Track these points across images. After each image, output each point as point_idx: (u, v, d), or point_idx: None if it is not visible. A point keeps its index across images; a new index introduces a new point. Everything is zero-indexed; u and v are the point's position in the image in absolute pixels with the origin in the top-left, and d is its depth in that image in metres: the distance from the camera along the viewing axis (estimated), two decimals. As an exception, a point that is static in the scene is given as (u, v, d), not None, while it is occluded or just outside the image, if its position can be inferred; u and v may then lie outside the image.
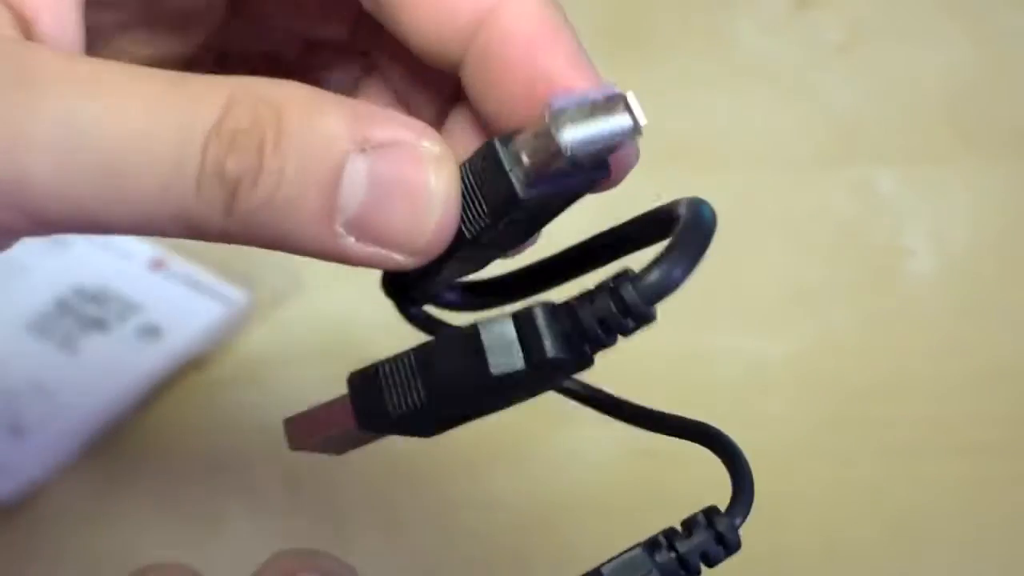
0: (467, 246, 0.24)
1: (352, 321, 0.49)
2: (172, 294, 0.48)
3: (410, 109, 0.27)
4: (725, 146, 0.52)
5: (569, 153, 0.22)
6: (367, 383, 0.25)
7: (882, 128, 0.53)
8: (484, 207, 0.23)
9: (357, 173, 0.22)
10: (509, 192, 0.23)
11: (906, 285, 0.50)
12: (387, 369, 0.24)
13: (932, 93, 0.53)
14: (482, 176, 0.23)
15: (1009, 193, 0.52)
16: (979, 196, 0.52)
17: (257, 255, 0.49)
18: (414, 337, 0.51)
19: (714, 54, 0.54)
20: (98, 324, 0.46)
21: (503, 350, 0.23)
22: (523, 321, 0.23)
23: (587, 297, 0.23)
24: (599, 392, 0.28)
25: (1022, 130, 0.53)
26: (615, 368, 0.49)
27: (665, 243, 0.23)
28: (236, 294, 0.48)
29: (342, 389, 0.49)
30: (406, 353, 0.25)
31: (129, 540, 0.46)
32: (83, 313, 0.46)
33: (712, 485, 0.48)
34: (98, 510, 0.46)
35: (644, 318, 0.23)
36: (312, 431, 0.27)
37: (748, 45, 0.54)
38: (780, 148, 0.52)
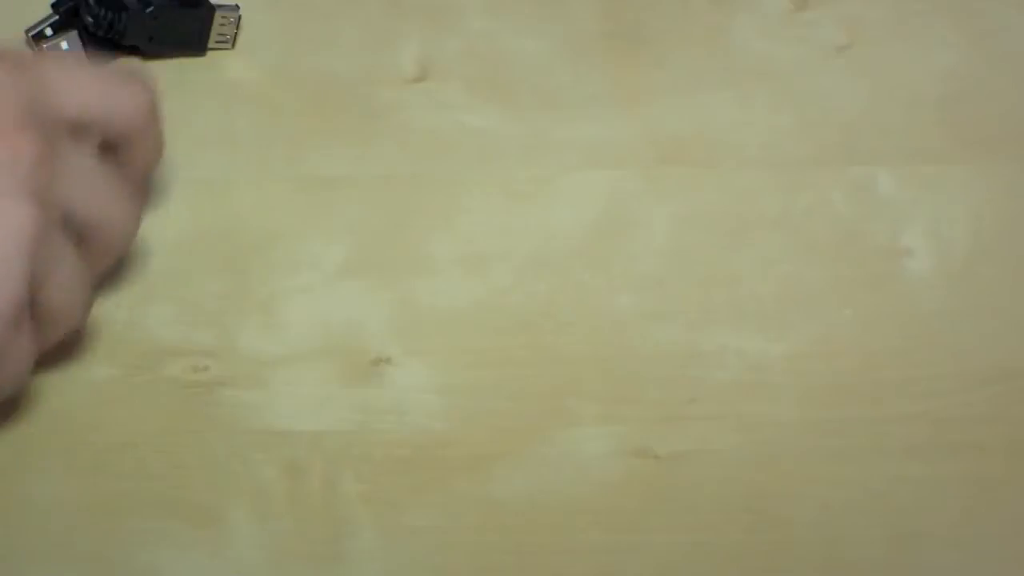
0: None
1: (352, 321, 0.49)
2: None
3: None
4: (725, 146, 0.52)
5: None
6: None
7: (881, 128, 0.53)
8: None
9: None
10: None
11: (905, 285, 0.50)
12: None
13: (931, 93, 0.53)
14: None
15: (1008, 193, 0.52)
16: (978, 196, 0.52)
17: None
18: (414, 337, 0.52)
19: (714, 54, 0.54)
20: None
21: None
22: None
23: None
24: None
25: (1020, 130, 0.53)
26: (615, 367, 0.49)
27: None
28: None
29: (342, 388, 0.50)
30: None
31: (128, 540, 0.46)
32: None
33: (711, 486, 0.48)
34: (100, 510, 0.46)
35: None
36: None
37: (748, 45, 0.54)
38: (779, 148, 0.52)
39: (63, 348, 0.45)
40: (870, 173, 0.52)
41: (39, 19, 0.51)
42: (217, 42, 0.53)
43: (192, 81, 0.52)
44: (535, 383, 0.48)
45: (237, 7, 0.53)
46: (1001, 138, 0.53)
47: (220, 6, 0.52)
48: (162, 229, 0.49)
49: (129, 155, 0.41)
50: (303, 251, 0.50)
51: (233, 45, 0.53)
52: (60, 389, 0.47)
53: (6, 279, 0.35)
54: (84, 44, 0.51)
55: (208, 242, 0.50)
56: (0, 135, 0.35)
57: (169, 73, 0.52)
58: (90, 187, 0.39)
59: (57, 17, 0.51)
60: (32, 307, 0.37)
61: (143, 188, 0.43)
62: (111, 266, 0.42)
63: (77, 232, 0.39)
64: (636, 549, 0.46)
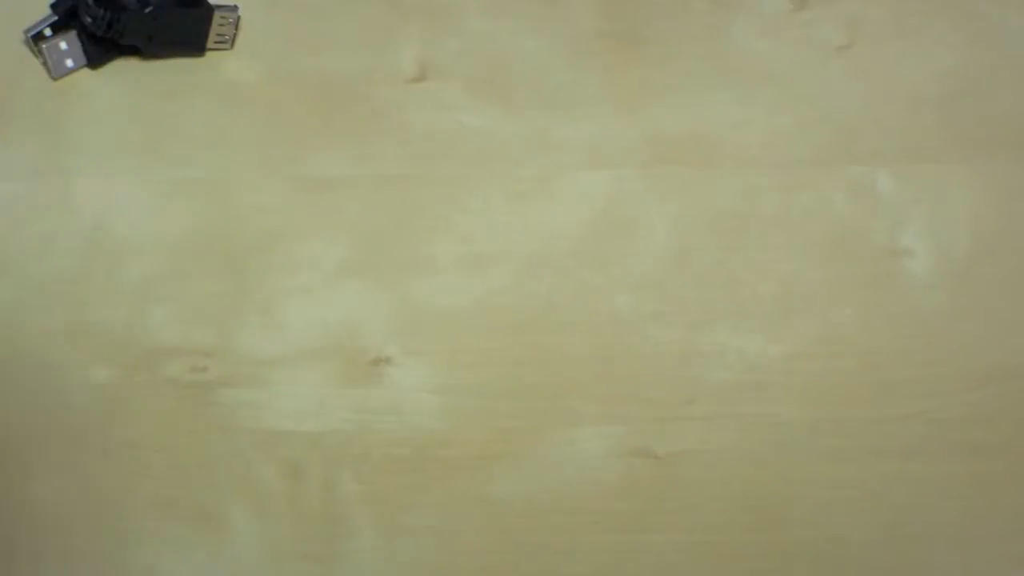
0: None
1: (352, 321, 0.49)
2: None
3: None
4: (725, 146, 0.52)
5: None
6: None
7: (881, 128, 0.53)
8: None
9: None
10: None
11: (905, 285, 0.50)
12: None
13: (930, 93, 0.53)
14: None
15: (1007, 193, 0.52)
16: (977, 196, 0.52)
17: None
18: (413, 337, 0.52)
19: (714, 54, 0.54)
20: None
21: None
22: None
23: None
24: None
25: (1020, 130, 0.53)
26: (615, 367, 0.49)
27: None
28: None
29: (341, 389, 0.50)
30: None
31: (128, 540, 0.46)
32: None
33: (711, 486, 0.48)
34: (101, 511, 0.46)
35: None
36: None
37: (748, 45, 0.54)
38: (780, 148, 0.52)
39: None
40: (870, 173, 0.52)
41: (38, 19, 0.51)
42: (216, 42, 0.53)
43: (191, 81, 0.52)
44: (535, 383, 0.48)
45: (236, 7, 0.53)
46: (1001, 138, 0.53)
47: (219, 6, 0.52)
48: (162, 229, 0.50)
49: None
50: (303, 251, 0.50)
51: (232, 45, 0.53)
52: (60, 389, 0.47)
53: None
54: (83, 44, 0.51)
55: (208, 242, 0.50)
56: None
57: (168, 73, 0.52)
58: None
59: (56, 17, 0.51)
60: None
61: None
62: None
63: None
64: (636, 549, 0.46)
